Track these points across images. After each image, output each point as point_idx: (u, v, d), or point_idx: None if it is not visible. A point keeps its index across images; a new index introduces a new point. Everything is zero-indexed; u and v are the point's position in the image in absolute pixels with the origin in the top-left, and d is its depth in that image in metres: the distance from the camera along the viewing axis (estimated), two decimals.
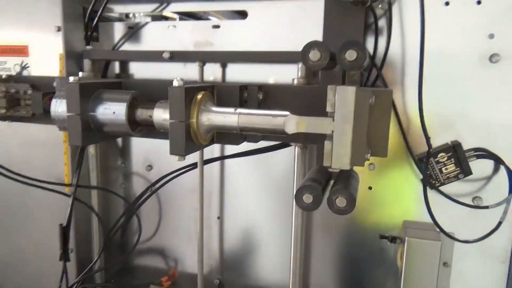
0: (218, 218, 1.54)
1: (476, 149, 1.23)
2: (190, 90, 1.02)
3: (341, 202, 0.91)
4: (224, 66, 1.44)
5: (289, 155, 1.39)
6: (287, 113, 0.97)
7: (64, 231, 1.47)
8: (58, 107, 1.20)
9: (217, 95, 1.15)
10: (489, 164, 1.25)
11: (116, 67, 1.56)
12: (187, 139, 1.02)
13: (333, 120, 0.91)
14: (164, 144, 1.50)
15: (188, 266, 1.62)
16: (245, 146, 1.35)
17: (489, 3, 1.18)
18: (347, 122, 0.91)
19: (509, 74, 1.19)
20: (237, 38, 1.40)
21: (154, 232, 1.63)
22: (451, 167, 1.23)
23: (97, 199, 1.59)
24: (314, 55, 0.89)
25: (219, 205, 1.53)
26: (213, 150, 1.49)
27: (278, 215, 1.47)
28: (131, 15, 1.63)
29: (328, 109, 0.92)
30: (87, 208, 1.55)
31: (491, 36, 1.19)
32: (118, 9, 1.55)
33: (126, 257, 1.67)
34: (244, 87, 1.16)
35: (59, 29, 1.45)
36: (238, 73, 1.43)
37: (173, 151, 1.02)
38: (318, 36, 1.25)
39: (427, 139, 1.13)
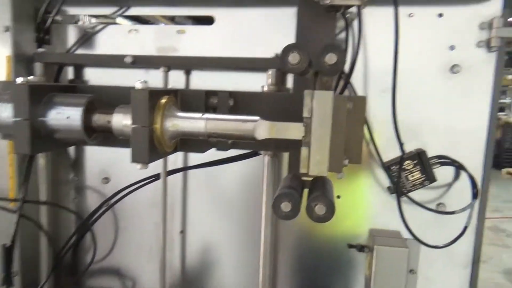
0: (181, 232, 1.47)
1: (439, 157, 1.27)
2: (154, 93, 0.96)
3: (320, 209, 0.88)
4: (188, 73, 1.39)
5: (256, 165, 1.35)
6: (257, 118, 0.94)
7: (8, 252, 1.32)
8: (2, 112, 1.09)
9: (181, 100, 1.10)
10: (450, 170, 1.29)
11: (70, 72, 1.46)
12: (151, 146, 0.96)
13: (311, 125, 0.89)
14: (123, 154, 1.41)
15: (147, 285, 1.52)
16: (211, 156, 1.31)
17: (450, 15, 1.23)
18: (324, 127, 0.89)
19: (469, 84, 1.24)
20: (203, 44, 1.36)
21: (109, 250, 1.52)
22: (417, 174, 1.25)
23: (46, 215, 1.46)
24: (293, 58, 0.87)
25: (181, 218, 1.46)
26: (176, 161, 1.42)
27: (244, 228, 1.42)
28: (81, 19, 1.54)
29: (305, 114, 0.90)
30: (35, 225, 1.42)
31: (452, 47, 1.24)
32: (74, 11, 1.46)
33: (78, 278, 1.54)
34: (211, 93, 1.12)
35: (7, 29, 1.33)
36: (203, 81, 1.38)
37: (135, 159, 0.95)
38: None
39: (401, 144, 1.15)
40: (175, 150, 1.10)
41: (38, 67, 1.34)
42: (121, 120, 1.01)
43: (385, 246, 1.22)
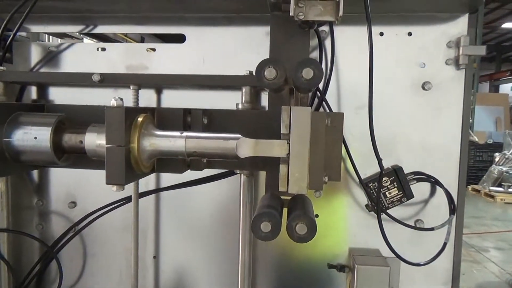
0: (154, 257, 1.40)
1: (415, 173, 1.27)
2: (131, 111, 0.92)
3: (301, 229, 0.85)
4: (159, 92, 1.35)
5: (231, 185, 1.31)
6: (238, 136, 0.91)
7: None
8: None
9: (157, 119, 1.06)
10: (426, 186, 1.29)
11: (33, 92, 1.39)
12: (127, 166, 0.91)
13: (289, 142, 0.87)
14: (90, 176, 1.36)
15: None
16: (184, 176, 1.26)
17: (419, 34, 1.25)
18: (303, 144, 0.87)
19: (441, 101, 1.26)
20: (174, 62, 1.33)
21: (77, 278, 1.43)
22: (394, 191, 1.25)
23: (7, 243, 1.36)
24: (269, 73, 0.85)
25: (154, 243, 1.39)
26: (147, 182, 1.36)
27: (220, 250, 1.37)
28: (44, 38, 1.49)
29: (283, 131, 0.88)
30: None
31: (423, 65, 1.26)
32: (37, 29, 1.40)
33: None
34: (187, 111, 1.09)
35: None
36: (174, 100, 1.35)
37: (110, 180, 0.90)
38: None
39: (379, 160, 1.14)
40: (152, 170, 1.05)
41: None
42: (95, 140, 0.97)
43: (366, 265, 1.20)
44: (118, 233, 1.39)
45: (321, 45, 1.21)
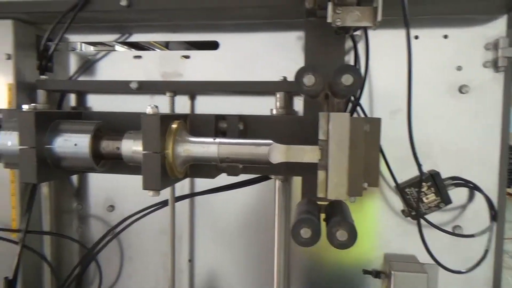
0: (189, 261, 1.42)
1: (452, 178, 1.24)
2: (165, 118, 0.95)
3: (342, 235, 0.85)
4: (193, 99, 1.38)
5: (265, 190, 1.32)
6: (270, 141, 0.92)
7: (10, 285, 1.27)
8: (7, 140, 1.06)
9: (190, 125, 1.08)
10: (464, 192, 1.26)
11: (72, 99, 1.44)
12: (162, 172, 0.93)
13: (327, 148, 0.87)
14: (128, 181, 1.39)
15: None
16: (219, 181, 1.27)
17: (455, 37, 1.23)
18: (342, 150, 0.87)
19: (479, 104, 1.23)
20: (208, 69, 1.35)
21: (115, 281, 1.46)
22: (432, 197, 1.22)
23: (49, 246, 1.41)
24: (309, 80, 0.85)
25: (189, 246, 1.41)
26: (182, 187, 1.39)
27: (254, 255, 1.37)
28: (78, 47, 1.53)
29: (321, 137, 0.88)
30: (38, 256, 1.36)
31: (459, 68, 1.23)
32: (75, 39, 1.45)
33: None
34: (220, 117, 1.11)
35: (9, 57, 1.31)
36: (208, 106, 1.37)
37: (146, 186, 0.93)
38: (292, 68, 1.22)
39: (419, 166, 1.11)
40: (185, 176, 1.07)
41: (41, 94, 1.32)
42: (131, 146, 1.00)
43: (403, 271, 1.18)
44: (154, 237, 1.42)
45: (356, 50, 1.20)
